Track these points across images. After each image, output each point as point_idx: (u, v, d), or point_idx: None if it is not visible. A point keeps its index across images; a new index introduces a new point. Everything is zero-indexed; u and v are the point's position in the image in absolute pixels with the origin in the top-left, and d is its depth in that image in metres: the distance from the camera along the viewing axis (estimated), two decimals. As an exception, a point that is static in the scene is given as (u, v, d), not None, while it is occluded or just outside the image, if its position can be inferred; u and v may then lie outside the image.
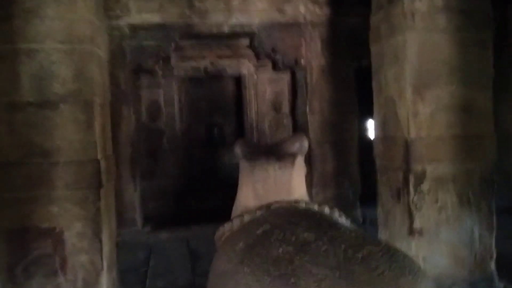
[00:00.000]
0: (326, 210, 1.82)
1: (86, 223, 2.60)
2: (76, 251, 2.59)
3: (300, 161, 2.05)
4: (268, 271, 1.36)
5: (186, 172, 6.31)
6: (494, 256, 3.00)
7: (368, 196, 4.65)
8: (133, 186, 5.13)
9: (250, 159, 1.99)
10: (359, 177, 5.51)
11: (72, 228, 2.58)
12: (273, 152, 2.07)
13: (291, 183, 1.93)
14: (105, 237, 2.69)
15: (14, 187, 2.49)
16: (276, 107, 6.49)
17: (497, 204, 5.52)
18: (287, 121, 6.44)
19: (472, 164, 2.94)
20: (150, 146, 6.04)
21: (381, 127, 3.25)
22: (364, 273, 1.28)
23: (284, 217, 1.66)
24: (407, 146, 2.90)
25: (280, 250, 1.42)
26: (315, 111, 5.53)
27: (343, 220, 1.78)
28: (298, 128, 5.89)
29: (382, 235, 3.26)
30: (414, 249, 2.89)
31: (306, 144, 2.23)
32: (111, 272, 2.80)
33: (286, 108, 6.48)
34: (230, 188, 2.42)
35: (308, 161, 5.42)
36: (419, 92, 2.89)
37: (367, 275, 1.28)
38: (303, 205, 1.84)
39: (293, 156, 1.99)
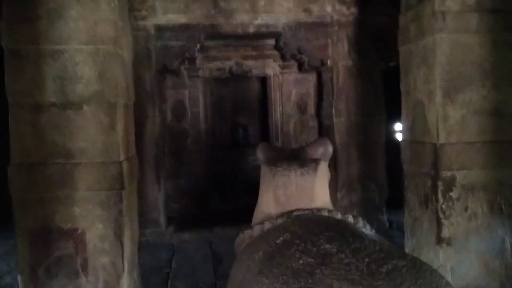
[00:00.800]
0: (350, 219, 1.76)
1: (107, 224, 2.60)
2: (97, 252, 2.59)
3: (323, 167, 1.99)
4: (288, 283, 1.30)
5: (210, 172, 6.29)
6: (527, 267, 2.87)
7: (395, 200, 4.53)
8: (157, 186, 5.14)
9: (272, 164, 1.94)
10: (385, 181, 5.39)
11: (94, 229, 2.58)
12: (295, 157, 2.02)
13: (313, 190, 1.87)
14: (126, 239, 2.68)
15: (37, 187, 2.50)
16: (301, 108, 6.41)
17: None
18: (313, 123, 6.35)
19: (504, 171, 2.81)
20: (174, 146, 6.04)
21: (409, 131, 3.16)
22: (387, 289, 1.22)
23: (305, 226, 1.60)
24: (436, 151, 2.79)
25: (301, 261, 1.36)
26: (341, 113, 5.43)
27: (367, 230, 1.71)
28: (324, 130, 5.80)
29: (409, 242, 3.16)
30: (441, 258, 2.78)
31: (330, 149, 2.17)
32: (132, 274, 2.80)
33: (311, 109, 6.39)
34: (254, 189, 2.37)
35: (334, 164, 5.34)
36: (449, 95, 2.78)
37: (391, 291, 1.21)
38: (325, 213, 1.78)
39: (316, 162, 1.93)
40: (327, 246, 1.40)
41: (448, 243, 2.79)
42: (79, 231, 2.56)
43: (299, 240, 1.48)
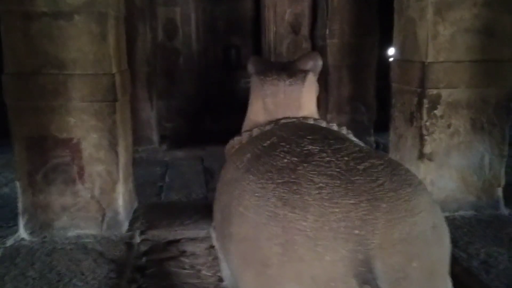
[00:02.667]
0: (334, 127, 1.85)
1: (102, 134, 2.67)
2: (93, 161, 2.69)
3: (311, 79, 2.05)
4: (272, 178, 1.41)
5: (202, 93, 6.32)
6: (503, 183, 3.03)
7: (383, 122, 4.65)
8: (150, 104, 5.20)
9: (262, 74, 1.99)
10: (375, 103, 5.48)
11: (89, 139, 2.66)
12: (285, 69, 2.07)
13: (301, 100, 1.94)
14: (121, 149, 2.77)
15: (32, 96, 2.54)
16: (295, 29, 6.32)
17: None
18: (306, 44, 6.30)
19: (488, 90, 2.88)
20: (166, 66, 6.02)
21: (399, 50, 3.19)
22: (364, 183, 1.33)
23: (291, 131, 1.69)
24: (424, 69, 2.85)
25: (285, 160, 1.47)
26: (335, 34, 5.41)
27: (350, 137, 1.80)
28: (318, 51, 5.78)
29: (393, 157, 3.29)
30: (422, 172, 2.92)
31: (319, 62, 2.22)
32: (127, 182, 2.92)
33: (305, 30, 6.31)
34: (246, 110, 2.44)
35: (325, 86, 5.40)
36: (440, 12, 2.78)
37: (367, 185, 1.32)
38: (311, 121, 1.86)
39: (304, 72, 1.99)
40: (310, 147, 1.50)
41: (430, 158, 2.92)
42: (75, 140, 2.64)
43: (284, 143, 1.57)
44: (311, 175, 1.36)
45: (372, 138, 5.44)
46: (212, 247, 2.62)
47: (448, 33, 2.81)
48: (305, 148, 1.49)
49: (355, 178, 1.34)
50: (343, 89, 5.48)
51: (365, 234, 1.25)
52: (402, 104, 3.16)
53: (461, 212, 2.94)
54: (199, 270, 2.42)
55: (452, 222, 2.81)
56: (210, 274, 2.38)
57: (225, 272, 2.14)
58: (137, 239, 2.74)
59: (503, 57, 2.89)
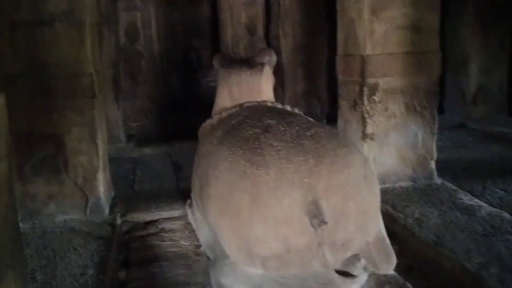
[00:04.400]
0: (288, 107, 2.25)
1: (83, 128, 2.99)
2: (75, 152, 2.99)
3: (268, 71, 2.45)
4: (241, 146, 1.80)
5: (166, 93, 6.62)
6: (435, 157, 3.53)
7: (335, 113, 5.12)
8: (116, 105, 5.48)
9: (226, 67, 2.38)
10: (327, 96, 5.96)
11: (71, 133, 2.96)
12: (245, 63, 2.46)
13: (260, 87, 2.35)
14: (100, 141, 3.09)
15: (19, 96, 2.83)
16: (251, 30, 6.74)
17: (451, 119, 6.11)
18: (262, 44, 6.71)
19: (419, 78, 3.38)
20: (129, 68, 6.29)
21: (343, 46, 3.64)
22: (310, 145, 1.74)
23: (253, 111, 2.08)
24: (363, 61, 3.31)
25: (250, 132, 1.86)
26: (287, 34, 5.86)
27: (300, 114, 2.22)
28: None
29: (342, 141, 3.75)
30: (366, 150, 3.37)
31: (274, 57, 2.63)
32: (105, 171, 3.23)
33: (260, 31, 6.73)
34: (208, 109, 2.79)
35: (281, 82, 5.84)
36: (375, 12, 3.25)
37: (313, 146, 1.74)
38: (269, 103, 2.26)
39: (262, 65, 2.39)
40: (269, 121, 1.90)
41: (371, 138, 3.38)
42: (58, 134, 2.95)
43: (248, 120, 1.97)
44: (271, 141, 1.76)
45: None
46: (188, 223, 2.98)
47: (382, 30, 3.28)
48: (265, 122, 1.88)
49: (304, 141, 1.75)
50: (297, 85, 5.94)
51: (312, 182, 1.66)
52: (346, 93, 3.61)
53: (400, 183, 3.42)
54: (178, 241, 2.78)
55: (392, 192, 3.29)
56: (188, 243, 2.74)
57: (203, 239, 2.50)
58: (119, 221, 3.06)
59: (430, 48, 3.40)
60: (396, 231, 2.76)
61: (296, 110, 2.26)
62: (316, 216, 1.64)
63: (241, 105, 2.24)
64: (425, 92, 3.41)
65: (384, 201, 3.10)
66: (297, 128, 1.82)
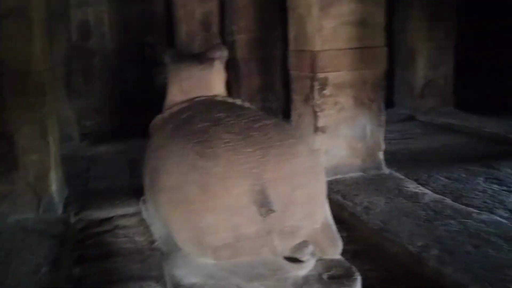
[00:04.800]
0: (238, 101, 2.31)
1: (34, 127, 2.95)
2: (27, 151, 2.95)
3: (218, 66, 2.51)
4: (190, 139, 1.85)
5: (121, 90, 6.54)
6: (383, 148, 3.67)
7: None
8: (69, 103, 5.38)
9: (177, 63, 2.41)
10: (282, 91, 6.06)
11: (22, 131, 2.92)
12: (196, 58, 2.50)
13: (210, 82, 2.40)
14: (51, 139, 3.06)
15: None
16: (205, 27, 6.74)
17: (401, 112, 6.34)
18: (217, 41, 6.73)
19: (366, 72, 3.51)
20: (82, 66, 6.18)
21: (294, 42, 3.73)
22: (258, 137, 1.81)
23: (204, 105, 2.13)
24: (313, 57, 3.41)
25: (199, 125, 1.91)
26: (242, 30, 5.91)
27: (250, 107, 2.28)
28: (227, 46, 6.24)
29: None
30: (318, 143, 3.49)
31: (225, 53, 2.69)
32: (58, 170, 3.20)
33: (215, 27, 6.75)
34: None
35: (237, 78, 5.90)
36: (324, 9, 3.36)
37: (261, 138, 1.81)
38: (220, 98, 2.32)
39: (212, 60, 2.44)
40: (219, 114, 1.95)
41: (323, 131, 3.49)
42: (9, 133, 2.89)
43: (198, 113, 2.02)
44: (220, 134, 1.81)
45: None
46: (142, 219, 2.99)
47: (331, 26, 3.39)
48: (215, 116, 1.93)
49: (252, 133, 1.82)
50: (253, 80, 6.01)
51: (260, 172, 1.73)
52: (299, 87, 3.71)
53: (351, 174, 3.54)
54: (133, 237, 2.79)
55: (343, 182, 3.41)
56: (143, 239, 2.76)
57: (157, 233, 2.53)
58: (73, 219, 3.04)
59: (376, 43, 3.53)
60: (346, 218, 2.88)
61: (247, 104, 2.32)
62: (264, 205, 1.70)
63: (191, 100, 2.28)
64: (373, 85, 3.55)
65: (335, 191, 3.23)
66: (245, 121, 1.88)
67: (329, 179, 3.37)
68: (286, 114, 5.94)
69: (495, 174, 3.73)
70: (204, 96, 2.30)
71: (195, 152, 1.79)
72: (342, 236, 2.61)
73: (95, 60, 6.33)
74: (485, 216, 2.77)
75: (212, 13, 6.73)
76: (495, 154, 4.25)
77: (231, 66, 6.18)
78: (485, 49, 6.12)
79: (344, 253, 2.21)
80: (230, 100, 2.32)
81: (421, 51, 6.09)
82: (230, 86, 6.11)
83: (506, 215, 2.91)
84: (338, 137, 3.53)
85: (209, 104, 2.12)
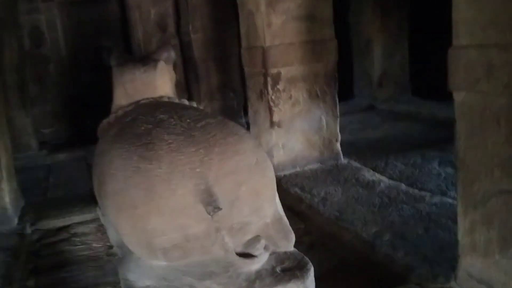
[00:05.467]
0: (185, 101, 2.31)
1: (-19, 138, 2.87)
2: (-25, 163, 2.88)
3: (163, 67, 2.49)
4: (134, 143, 1.83)
5: (78, 96, 6.43)
6: (339, 138, 3.73)
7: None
8: (24, 112, 5.25)
9: (120, 65, 2.39)
10: (241, 89, 6.06)
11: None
12: (141, 60, 2.48)
13: (155, 84, 2.38)
14: (2, 149, 2.99)
15: None
16: (162, 27, 6.68)
17: (361, 102, 6.44)
18: (174, 41, 6.68)
19: (318, 65, 3.55)
20: (37, 73, 6.06)
21: (245, 38, 3.74)
22: (201, 136, 1.81)
23: (147, 108, 2.12)
24: (264, 53, 3.43)
25: (142, 128, 1.89)
26: (197, 30, 5.88)
27: (196, 107, 2.28)
28: (184, 46, 6.21)
29: (253, 130, 3.85)
30: (274, 138, 3.52)
31: (172, 53, 2.67)
32: (11, 181, 3.13)
33: (172, 28, 6.70)
34: None
35: (196, 77, 5.87)
36: (271, 5, 3.38)
37: (203, 137, 1.81)
38: (166, 99, 2.30)
39: (156, 61, 2.42)
40: (161, 116, 1.94)
41: (279, 126, 3.52)
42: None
43: (142, 116, 2.00)
44: (162, 135, 1.80)
45: (243, 120, 6.02)
46: (100, 225, 2.95)
47: (280, 21, 3.42)
48: (158, 117, 1.92)
49: (195, 133, 1.81)
50: (212, 79, 5.99)
51: (204, 171, 1.73)
52: (253, 84, 3.73)
53: (309, 166, 3.59)
54: (90, 244, 2.76)
55: (301, 175, 3.45)
56: (100, 245, 2.73)
57: (112, 238, 2.50)
58: (28, 230, 2.98)
59: (325, 37, 3.58)
60: (303, 210, 2.92)
61: (194, 104, 2.32)
62: (210, 203, 1.70)
63: (136, 103, 2.26)
64: (325, 78, 3.60)
65: (293, 184, 3.27)
66: (188, 120, 1.88)
67: (287, 172, 3.44)
68: (246, 111, 5.98)
69: (448, 157, 3.83)
70: (150, 98, 2.29)
71: (138, 155, 1.77)
72: (299, 228, 2.67)
73: (49, 67, 6.21)
74: (437, 199, 2.85)
75: (167, 14, 6.67)
76: (448, 137, 4.35)
77: (189, 66, 6.17)
78: (438, 36, 6.27)
79: (301, 244, 2.25)
80: (175, 101, 2.31)
81: (376, 42, 6.19)
82: (190, 86, 6.12)
83: (457, 196, 3.00)
84: (294, 131, 3.56)
85: (153, 106, 2.11)
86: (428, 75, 6.09)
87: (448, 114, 5.05)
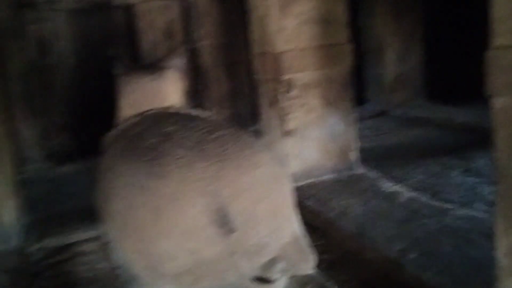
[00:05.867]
0: (194, 112, 2.16)
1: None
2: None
3: (172, 75, 2.34)
4: (139, 158, 1.68)
5: (84, 106, 6.31)
6: (355, 147, 3.56)
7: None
8: (30, 123, 5.14)
9: (126, 75, 2.25)
10: (252, 96, 5.92)
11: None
12: (147, 68, 2.34)
13: (163, 93, 2.23)
14: (4, 164, 2.85)
15: None
16: (169, 35, 6.57)
17: (374, 108, 6.27)
18: (183, 48, 6.57)
19: (332, 70, 3.39)
20: (43, 83, 5.94)
21: (257, 44, 3.59)
22: (213, 149, 1.65)
23: (154, 119, 1.97)
24: (276, 59, 3.27)
25: (148, 142, 1.74)
26: (207, 36, 5.76)
27: (210, 117, 2.13)
28: (193, 54, 6.09)
29: (266, 138, 3.68)
30: (289, 147, 3.35)
31: (180, 60, 2.53)
32: (14, 197, 2.99)
33: (179, 35, 6.58)
34: None
35: (206, 84, 5.75)
36: (283, 9, 3.23)
37: (216, 150, 1.65)
38: (172, 109, 2.15)
39: (163, 69, 2.28)
40: (169, 128, 1.79)
41: (292, 134, 3.36)
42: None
43: (148, 129, 1.85)
44: (170, 150, 1.65)
45: (255, 128, 5.86)
46: (105, 244, 2.80)
47: (292, 25, 3.26)
48: (165, 130, 1.77)
49: (206, 146, 1.66)
50: (222, 86, 5.86)
51: (217, 188, 1.57)
52: (265, 91, 3.57)
53: (324, 177, 3.41)
54: (94, 265, 2.60)
55: (316, 186, 3.28)
56: (104, 266, 2.57)
57: (116, 259, 2.35)
58: (31, 248, 2.83)
59: (340, 41, 3.41)
60: (320, 225, 2.75)
61: (204, 114, 2.17)
62: (224, 224, 1.55)
63: (143, 114, 2.12)
64: (339, 84, 3.43)
65: (308, 196, 3.10)
66: (199, 133, 1.72)
67: (301, 184, 3.27)
68: (256, 119, 5.83)
69: (469, 166, 3.64)
70: (156, 109, 2.14)
71: (144, 172, 1.62)
72: (317, 245, 2.48)
73: (56, 77, 6.09)
74: (463, 212, 2.67)
75: (174, 21, 6.55)
76: (467, 144, 4.17)
77: (198, 74, 6.03)
78: (453, 38, 6.10)
79: (319, 263, 2.08)
80: (184, 111, 2.16)
81: (389, 46, 6.02)
82: (199, 94, 5.99)
83: (484, 208, 2.81)
84: (308, 139, 3.40)
85: (160, 118, 1.96)
86: (444, 79, 5.91)
87: (466, 119, 4.94)
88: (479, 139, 4.23)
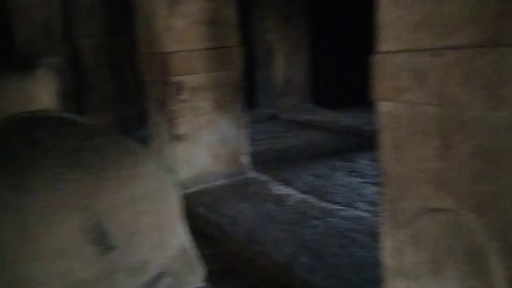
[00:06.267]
0: (68, 115, 1.95)
1: None
2: None
3: (44, 75, 2.11)
4: (2, 170, 1.45)
5: None
6: (246, 151, 3.54)
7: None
8: None
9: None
10: (139, 98, 5.67)
11: None
12: (17, 67, 2.08)
13: (33, 94, 2.00)
14: None
15: None
16: (47, 31, 6.07)
17: (264, 112, 6.36)
18: (62, 46, 6.11)
19: (223, 73, 3.34)
20: None
21: (144, 44, 3.42)
22: (89, 158, 1.48)
23: (22, 125, 1.73)
24: (165, 60, 3.14)
25: (13, 151, 1.52)
26: (87, 35, 5.41)
27: (88, 121, 1.93)
28: (73, 52, 5.69)
29: (154, 144, 3.53)
30: (178, 153, 3.24)
31: (53, 59, 2.28)
32: None
33: (59, 32, 6.11)
34: None
35: (88, 85, 5.38)
36: (171, 8, 3.11)
37: (92, 159, 1.47)
38: (43, 113, 1.92)
39: (34, 68, 2.04)
40: (39, 134, 1.57)
41: (182, 139, 3.25)
42: None
43: (11, 136, 1.61)
44: (39, 160, 1.45)
45: (141, 132, 5.62)
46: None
47: (181, 25, 3.16)
48: (34, 137, 1.56)
49: (81, 155, 1.48)
50: (106, 88, 5.54)
51: (93, 202, 1.41)
52: (153, 93, 3.42)
53: (216, 182, 3.36)
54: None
55: (207, 192, 3.21)
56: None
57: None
58: None
59: (231, 43, 3.38)
60: (211, 233, 2.68)
61: (80, 118, 1.98)
62: (101, 242, 1.39)
63: (8, 118, 1.87)
64: (230, 87, 3.40)
65: (199, 203, 3.01)
66: (73, 140, 1.53)
67: (192, 190, 3.18)
68: (143, 123, 5.59)
69: (354, 167, 3.82)
70: (24, 113, 1.90)
71: (8, 186, 1.40)
72: (208, 254, 2.39)
73: None
74: (348, 212, 2.77)
75: (54, 17, 6.07)
76: (352, 146, 4.40)
77: (80, 75, 5.64)
78: (339, 45, 6.40)
79: (209, 274, 1.99)
80: (57, 115, 1.94)
81: (278, 51, 6.16)
82: (81, 96, 5.60)
83: (368, 208, 2.95)
84: (199, 144, 3.31)
85: (29, 123, 1.74)
86: (330, 85, 6.18)
87: (349, 123, 5.19)
88: (362, 141, 4.48)
